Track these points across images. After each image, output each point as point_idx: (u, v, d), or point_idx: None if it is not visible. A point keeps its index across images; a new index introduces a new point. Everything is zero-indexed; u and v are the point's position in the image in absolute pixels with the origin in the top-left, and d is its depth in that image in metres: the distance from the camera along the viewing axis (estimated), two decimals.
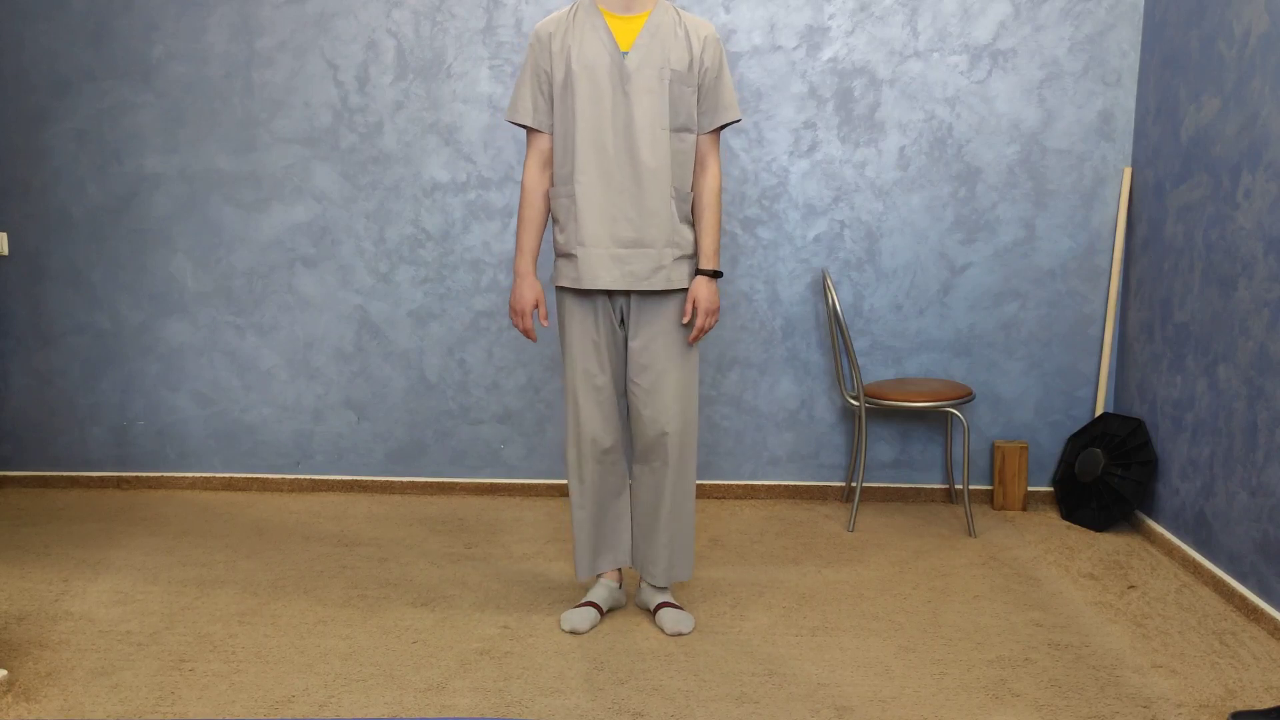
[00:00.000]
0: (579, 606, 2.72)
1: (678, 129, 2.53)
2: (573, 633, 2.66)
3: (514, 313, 2.61)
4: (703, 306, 2.57)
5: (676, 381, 2.60)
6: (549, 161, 2.61)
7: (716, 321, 2.62)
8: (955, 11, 3.56)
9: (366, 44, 3.68)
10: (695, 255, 2.62)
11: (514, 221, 3.74)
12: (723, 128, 2.60)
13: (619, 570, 2.79)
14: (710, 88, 2.56)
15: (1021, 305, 3.68)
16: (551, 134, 2.59)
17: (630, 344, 2.60)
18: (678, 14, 2.55)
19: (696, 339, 2.59)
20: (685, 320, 2.59)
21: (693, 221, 2.62)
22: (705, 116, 2.57)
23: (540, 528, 3.51)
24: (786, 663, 2.48)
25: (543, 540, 3.38)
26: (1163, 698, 2.30)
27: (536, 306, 2.60)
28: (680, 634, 2.63)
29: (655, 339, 2.59)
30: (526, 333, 2.62)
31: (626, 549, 2.76)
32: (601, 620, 2.73)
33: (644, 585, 2.77)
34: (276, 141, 3.75)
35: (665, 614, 2.67)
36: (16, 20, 3.74)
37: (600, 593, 2.75)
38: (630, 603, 2.85)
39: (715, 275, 2.60)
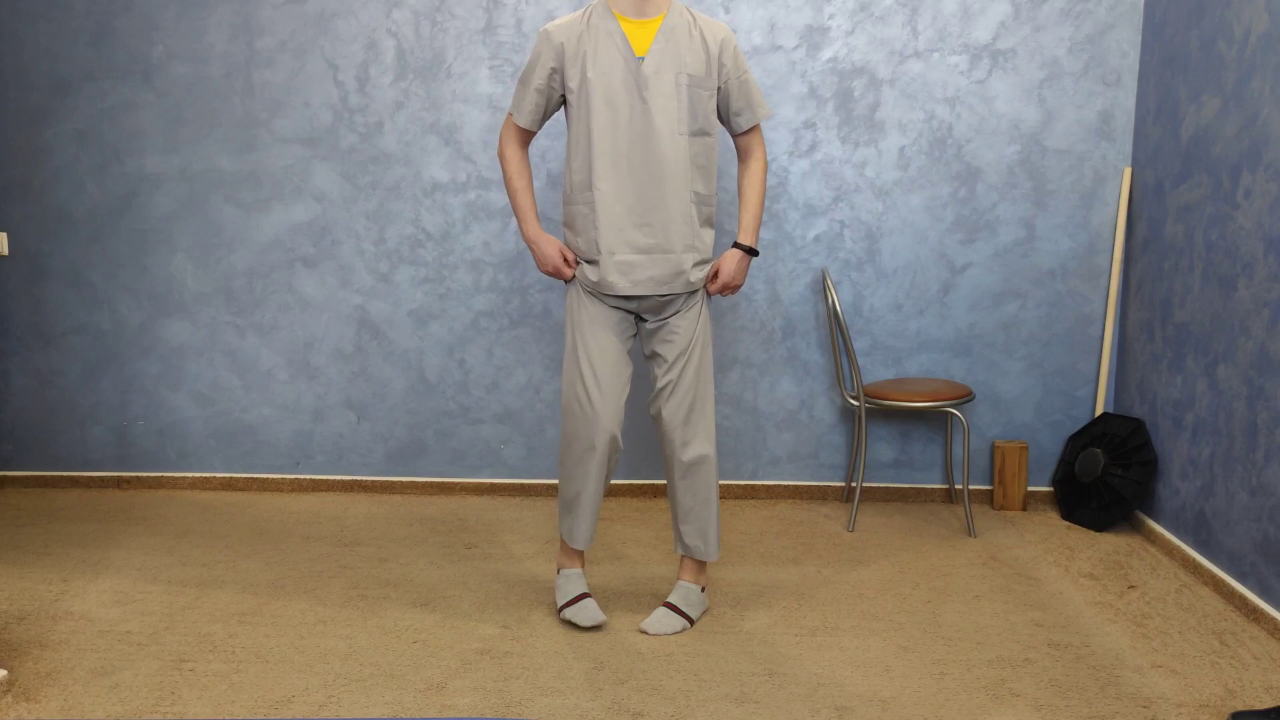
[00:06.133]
0: (576, 602, 2.68)
1: (695, 133, 2.53)
2: (595, 627, 2.65)
3: (546, 270, 2.61)
4: (723, 280, 2.61)
5: (702, 390, 2.63)
6: (526, 144, 2.65)
7: (736, 291, 2.67)
8: (955, 11, 3.55)
9: (366, 44, 3.68)
10: (712, 258, 2.64)
11: (514, 222, 3.74)
12: None
13: (581, 554, 2.78)
14: (738, 89, 2.58)
15: (1021, 305, 3.68)
16: (536, 132, 2.65)
17: (657, 338, 2.62)
18: (692, 16, 2.54)
19: (714, 294, 2.66)
20: (706, 281, 2.63)
21: (711, 221, 2.64)
22: (741, 117, 2.61)
23: (540, 528, 3.51)
24: (786, 663, 2.48)
25: (543, 540, 3.38)
26: (1163, 698, 2.30)
27: (563, 256, 2.60)
28: (662, 634, 2.62)
29: (680, 333, 2.61)
30: (557, 272, 2.61)
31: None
32: None
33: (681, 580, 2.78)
34: (276, 141, 3.75)
35: (655, 614, 2.67)
36: (16, 20, 3.74)
37: (581, 583, 2.74)
38: (633, 598, 2.84)
39: (751, 253, 2.62)
